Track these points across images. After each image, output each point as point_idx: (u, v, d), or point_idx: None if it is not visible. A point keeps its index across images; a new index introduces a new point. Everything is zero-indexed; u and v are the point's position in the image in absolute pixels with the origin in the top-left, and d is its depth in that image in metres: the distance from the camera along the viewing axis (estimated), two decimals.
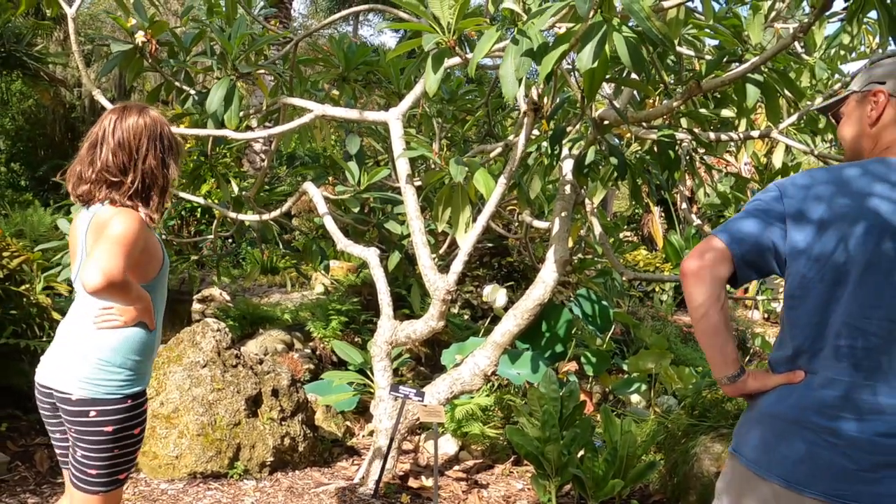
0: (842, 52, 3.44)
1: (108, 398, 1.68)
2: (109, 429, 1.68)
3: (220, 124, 3.28)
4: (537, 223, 4.72)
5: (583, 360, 5.12)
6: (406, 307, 5.70)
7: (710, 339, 1.43)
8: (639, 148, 4.26)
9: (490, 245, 6.29)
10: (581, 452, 3.38)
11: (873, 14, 2.79)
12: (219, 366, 3.30)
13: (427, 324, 3.52)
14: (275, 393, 3.43)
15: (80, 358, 1.69)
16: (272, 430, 3.30)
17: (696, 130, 3.74)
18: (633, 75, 3.64)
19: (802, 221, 1.37)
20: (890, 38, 2.66)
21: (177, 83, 3.34)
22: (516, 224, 5.62)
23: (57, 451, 1.83)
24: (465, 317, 6.04)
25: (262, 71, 3.59)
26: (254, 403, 3.34)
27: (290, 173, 6.45)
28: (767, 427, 1.42)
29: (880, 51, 3.48)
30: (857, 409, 1.33)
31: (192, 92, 3.39)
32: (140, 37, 2.92)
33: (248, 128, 4.45)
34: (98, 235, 1.65)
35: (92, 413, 1.66)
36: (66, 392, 1.67)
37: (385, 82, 4.57)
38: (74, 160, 1.76)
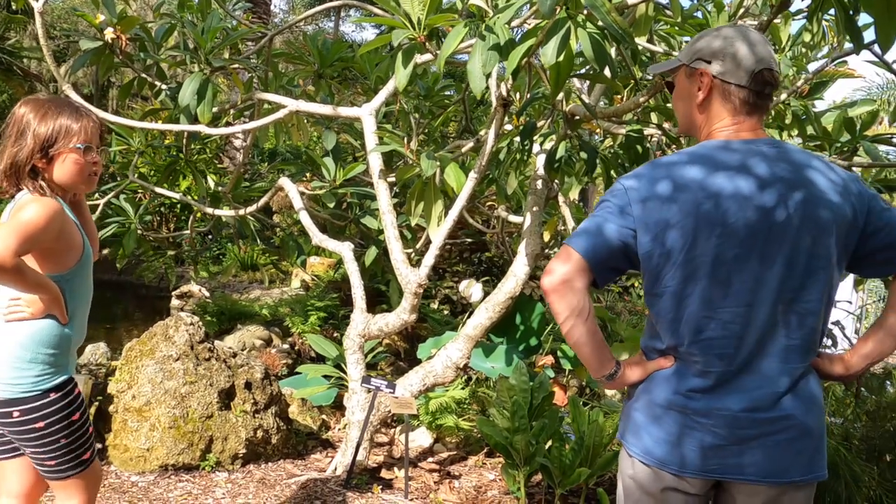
0: (803, 50, 3.50)
1: (26, 396, 1.63)
2: (40, 425, 1.64)
3: (194, 119, 3.30)
4: (513, 218, 4.77)
5: (559, 353, 5.17)
6: (385, 302, 5.74)
7: (581, 349, 1.44)
8: (612, 143, 4.31)
9: (469, 241, 6.34)
10: (550, 443, 3.43)
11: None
12: (192, 359, 3.32)
13: (399, 317, 3.56)
14: (248, 386, 3.46)
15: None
16: (245, 422, 3.33)
17: (665, 125, 3.79)
18: (607, 71, 3.71)
19: (649, 219, 1.37)
20: (847, 36, 2.72)
21: (149, 78, 3.36)
22: (495, 220, 5.67)
23: None
24: (445, 312, 6.09)
25: (238, 66, 3.61)
26: (227, 396, 3.37)
27: (271, 169, 6.46)
28: (645, 413, 1.46)
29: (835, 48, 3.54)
30: (724, 390, 1.38)
31: (165, 87, 3.40)
32: (109, 33, 2.94)
33: (228, 123, 4.47)
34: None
35: (16, 413, 1.63)
36: None
37: (362, 79, 4.60)
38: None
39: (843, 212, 1.38)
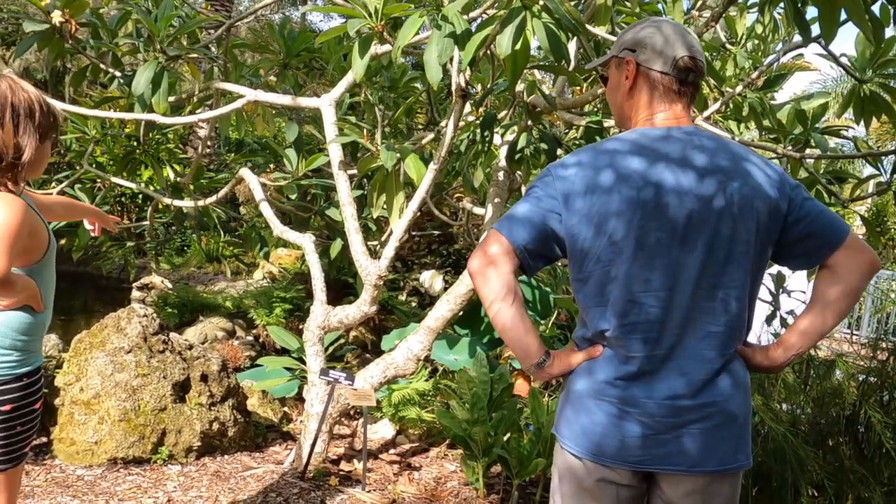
0: (756, 42, 3.54)
1: (1, 379, 1.69)
2: (7, 408, 1.70)
3: (150, 109, 3.24)
4: (478, 210, 4.77)
5: None
6: (353, 294, 5.72)
7: (507, 334, 1.43)
8: (576, 135, 4.32)
9: (437, 233, 6.33)
10: (508, 434, 3.44)
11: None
12: (144, 351, 3.28)
13: (360, 308, 3.55)
14: (204, 378, 3.42)
15: None
16: (200, 415, 3.30)
17: None
18: (573, 63, 3.71)
19: (574, 205, 1.38)
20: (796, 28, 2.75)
21: (103, 66, 3.29)
22: (461, 212, 5.66)
23: None
24: (413, 304, 6.08)
25: (196, 56, 3.55)
26: (182, 389, 3.33)
27: (236, 160, 6.38)
28: (575, 404, 1.46)
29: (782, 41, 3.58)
30: (649, 378, 1.38)
31: (118, 74, 3.33)
32: (57, 16, 2.87)
33: (192, 113, 4.40)
34: None
35: None
36: None
37: (330, 69, 4.56)
38: None
39: (766, 199, 1.38)
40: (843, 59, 3.12)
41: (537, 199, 1.41)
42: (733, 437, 1.40)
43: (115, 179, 3.90)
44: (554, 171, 1.43)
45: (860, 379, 2.96)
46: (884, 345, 2.99)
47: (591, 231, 1.37)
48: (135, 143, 3.94)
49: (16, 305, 1.71)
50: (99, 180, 4.14)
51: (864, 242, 1.43)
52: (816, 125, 3.30)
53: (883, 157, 3.20)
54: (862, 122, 3.29)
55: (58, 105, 3.43)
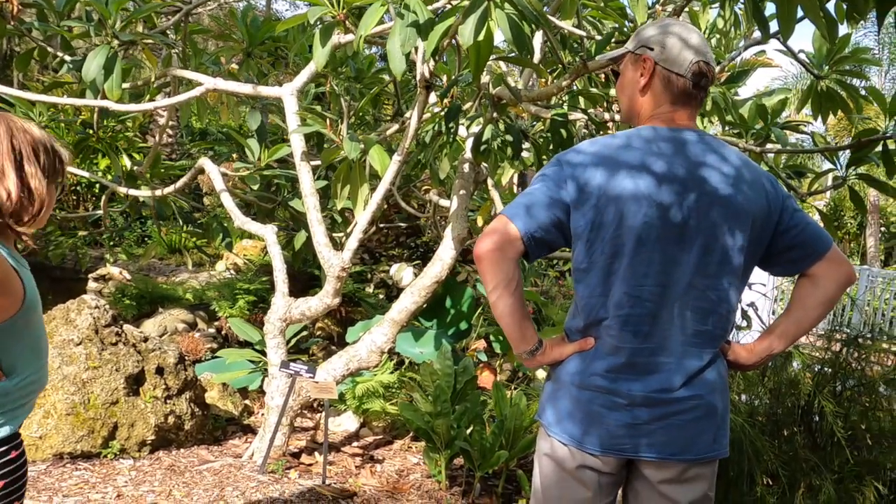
0: (718, 37, 3.57)
1: None
2: None
3: (102, 95, 3.14)
4: (444, 202, 4.74)
5: (491, 338, 5.20)
6: (318, 286, 5.66)
7: (505, 320, 1.46)
8: (542, 128, 4.32)
9: (405, 225, 6.30)
10: (472, 426, 3.44)
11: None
12: (96, 343, 3.19)
13: (322, 301, 3.50)
14: (160, 371, 3.35)
15: None
16: (155, 408, 3.22)
17: (590, 111, 3.82)
18: (536, 54, 3.70)
19: (583, 195, 1.41)
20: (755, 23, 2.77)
21: (51, 49, 3.17)
22: (428, 204, 5.63)
23: None
24: (381, 296, 6.04)
25: (152, 41, 3.45)
26: (135, 382, 3.25)
27: (197, 145, 6.23)
28: (563, 393, 1.49)
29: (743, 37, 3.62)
30: (638, 370, 1.43)
31: (68, 59, 3.22)
32: None
33: (151, 100, 4.29)
34: None
35: None
36: None
37: (295, 58, 4.48)
38: None
39: (761, 207, 1.45)
40: (802, 56, 3.16)
41: (546, 186, 1.43)
42: (713, 427, 1.46)
43: (69, 168, 3.78)
44: (563, 159, 1.45)
45: (815, 370, 3.02)
46: (838, 336, 3.04)
47: (597, 222, 1.40)
48: (90, 131, 3.81)
49: None
50: None
51: (843, 255, 1.52)
52: (777, 120, 3.34)
53: (839, 153, 3.26)
54: (820, 118, 3.35)
55: (4, 90, 3.32)
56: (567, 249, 1.53)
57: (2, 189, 1.41)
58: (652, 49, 1.48)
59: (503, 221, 1.41)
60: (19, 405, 1.50)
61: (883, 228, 16.93)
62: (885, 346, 3.00)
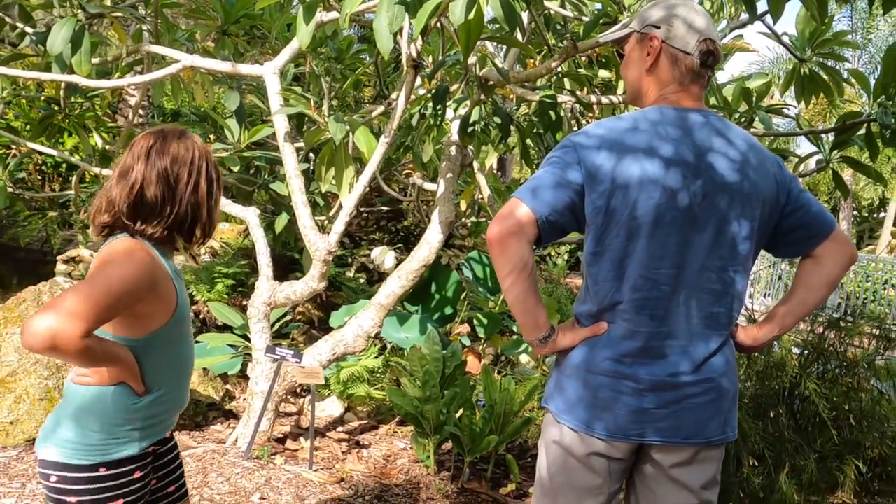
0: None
1: (70, 463, 1.37)
2: (72, 500, 1.37)
3: (70, 70, 3.00)
4: (428, 186, 4.70)
5: (475, 322, 5.19)
6: (298, 270, 5.58)
7: (519, 306, 1.42)
8: (527, 110, 4.29)
9: (386, 209, 6.23)
10: (461, 411, 3.43)
11: None
12: None
13: (308, 285, 3.45)
14: None
15: (53, 413, 1.43)
16: None
17: (578, 93, 3.79)
18: (519, 35, 3.65)
19: (592, 181, 1.38)
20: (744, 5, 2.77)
21: (9, 19, 3.00)
22: (411, 187, 5.58)
23: None
24: (361, 280, 5.99)
25: (120, 14, 3.30)
26: None
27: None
28: (572, 379, 1.47)
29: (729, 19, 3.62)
30: (651, 355, 1.41)
31: (30, 31, 3.06)
32: None
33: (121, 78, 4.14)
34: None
35: (53, 478, 1.38)
36: (37, 448, 1.42)
37: (273, 39, 4.37)
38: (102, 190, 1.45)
39: (769, 191, 1.44)
40: (785, 39, 3.17)
41: (559, 169, 1.40)
42: (724, 411, 1.45)
43: (32, 145, 3.62)
44: (574, 141, 1.42)
45: (799, 352, 3.06)
46: (821, 318, 3.09)
47: (608, 207, 1.38)
48: (55, 108, 3.64)
49: (111, 381, 1.39)
50: (13, 146, 3.82)
51: (846, 236, 1.52)
52: (761, 104, 3.36)
53: (822, 136, 3.29)
54: (803, 102, 3.38)
55: None
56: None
57: (204, 211, 1.48)
58: (658, 28, 1.46)
59: (516, 204, 1.38)
60: (151, 423, 1.46)
61: (855, 213, 17.35)
62: (866, 329, 3.06)
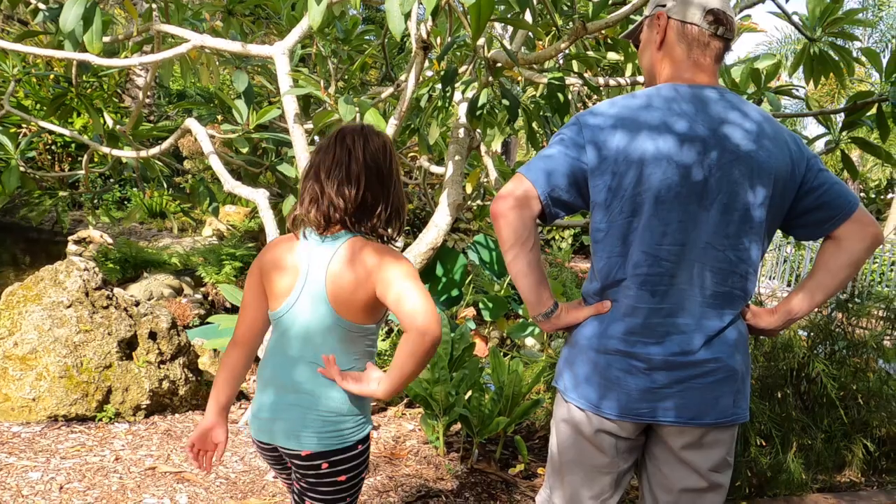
0: None
1: (337, 448, 1.48)
2: (342, 478, 1.50)
3: (83, 48, 3.00)
4: (434, 169, 4.70)
5: (480, 305, 5.21)
6: None
7: (522, 280, 1.42)
8: (534, 93, 4.28)
9: None
10: (469, 393, 3.45)
11: None
12: (87, 306, 3.11)
13: None
14: (152, 336, 3.28)
15: (314, 414, 1.48)
16: (149, 373, 3.17)
17: (585, 75, 3.78)
18: (528, 16, 3.63)
19: (600, 161, 1.37)
20: None
21: None
22: (416, 171, 5.58)
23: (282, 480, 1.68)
24: None
25: None
26: (128, 346, 3.19)
27: (177, 110, 6.02)
28: (581, 358, 1.47)
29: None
30: (655, 332, 1.40)
31: (43, 7, 3.06)
32: None
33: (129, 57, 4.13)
34: (356, 273, 1.41)
35: (324, 465, 1.48)
36: (296, 450, 1.48)
37: (277, 18, 4.35)
38: (312, 186, 1.48)
39: (784, 165, 1.40)
40: (795, 18, 3.16)
41: (565, 146, 1.40)
42: (733, 391, 1.42)
43: (43, 124, 3.61)
44: (582, 119, 1.41)
45: (807, 333, 3.08)
46: (829, 300, 3.10)
47: (615, 185, 1.37)
48: (69, 87, 3.65)
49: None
50: (24, 124, 3.82)
51: (870, 216, 1.46)
52: (769, 85, 3.35)
53: (832, 116, 3.28)
54: (805, 83, 3.36)
55: None
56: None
57: (405, 200, 1.53)
58: (664, 5, 1.45)
59: (520, 180, 1.38)
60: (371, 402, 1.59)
61: (862, 194, 17.30)
62: (874, 311, 3.07)
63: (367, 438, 1.52)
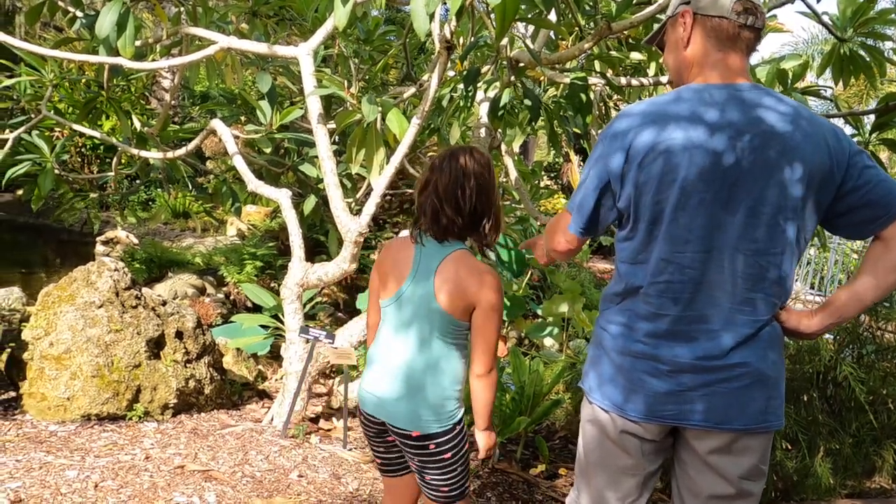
0: None
1: (441, 430, 1.70)
2: (448, 455, 1.72)
3: (115, 53, 3.05)
4: None
5: None
6: (324, 252, 5.63)
7: None
8: (556, 93, 4.27)
9: (410, 191, 6.24)
10: None
11: None
12: (117, 306, 3.16)
13: (339, 266, 3.48)
14: (179, 335, 3.32)
15: (424, 399, 1.70)
16: (176, 372, 3.21)
17: (608, 75, 3.76)
18: (552, 15, 3.62)
19: (628, 165, 1.37)
20: None
21: (61, 4, 3.07)
22: None
23: (378, 460, 1.89)
24: None
25: None
26: (156, 345, 3.23)
27: (202, 112, 6.08)
28: (605, 359, 1.47)
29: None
30: (679, 337, 1.38)
31: (80, 15, 3.12)
32: None
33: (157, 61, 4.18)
34: (460, 282, 1.63)
35: (431, 446, 1.70)
36: (407, 430, 1.70)
37: (300, 19, 4.38)
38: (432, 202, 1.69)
39: (820, 164, 1.33)
40: (825, 18, 3.12)
41: (598, 168, 1.43)
42: (763, 397, 1.38)
43: (77, 127, 3.68)
44: (608, 134, 1.42)
45: (833, 337, 3.05)
46: None
47: (641, 190, 1.36)
48: (101, 91, 3.71)
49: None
50: (58, 128, 3.90)
51: None
52: (796, 85, 3.31)
53: (861, 117, 3.24)
54: (834, 84, 3.32)
55: (16, 44, 3.22)
56: None
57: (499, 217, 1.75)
58: (688, 3, 1.42)
59: (565, 221, 1.51)
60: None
61: None
62: None
63: (461, 419, 1.76)
